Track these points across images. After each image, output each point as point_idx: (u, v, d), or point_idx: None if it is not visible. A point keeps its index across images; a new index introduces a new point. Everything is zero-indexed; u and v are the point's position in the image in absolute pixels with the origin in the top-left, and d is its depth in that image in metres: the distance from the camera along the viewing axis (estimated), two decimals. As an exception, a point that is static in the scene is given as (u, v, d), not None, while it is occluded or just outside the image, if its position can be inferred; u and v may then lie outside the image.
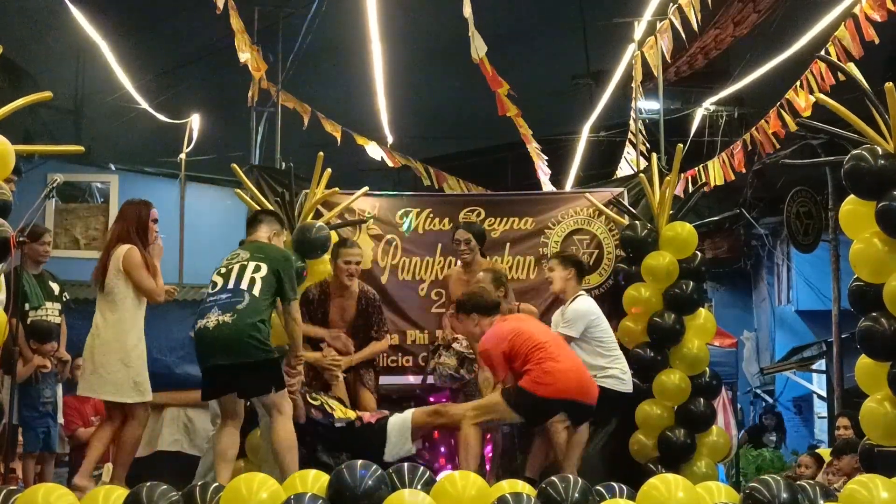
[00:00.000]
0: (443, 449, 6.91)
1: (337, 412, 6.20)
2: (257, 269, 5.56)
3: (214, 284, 5.60)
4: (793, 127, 8.75)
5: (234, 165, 7.28)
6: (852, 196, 5.49)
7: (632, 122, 10.75)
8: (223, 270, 5.61)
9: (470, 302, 6.16)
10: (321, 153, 6.98)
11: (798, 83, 8.58)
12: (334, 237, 6.92)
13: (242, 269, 5.56)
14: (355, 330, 6.79)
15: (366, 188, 7.54)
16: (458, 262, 7.20)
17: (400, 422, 6.19)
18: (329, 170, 7.02)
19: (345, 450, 6.09)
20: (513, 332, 5.95)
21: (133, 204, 6.17)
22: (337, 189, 7.19)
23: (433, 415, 6.25)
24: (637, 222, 7.33)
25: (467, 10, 7.28)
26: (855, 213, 5.50)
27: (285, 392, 5.55)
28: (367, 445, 6.05)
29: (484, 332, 6.06)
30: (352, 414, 6.29)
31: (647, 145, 9.49)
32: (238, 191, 7.24)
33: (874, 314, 5.30)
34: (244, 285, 5.49)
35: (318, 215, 7.10)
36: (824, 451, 7.73)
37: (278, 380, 5.52)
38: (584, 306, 6.65)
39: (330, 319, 6.76)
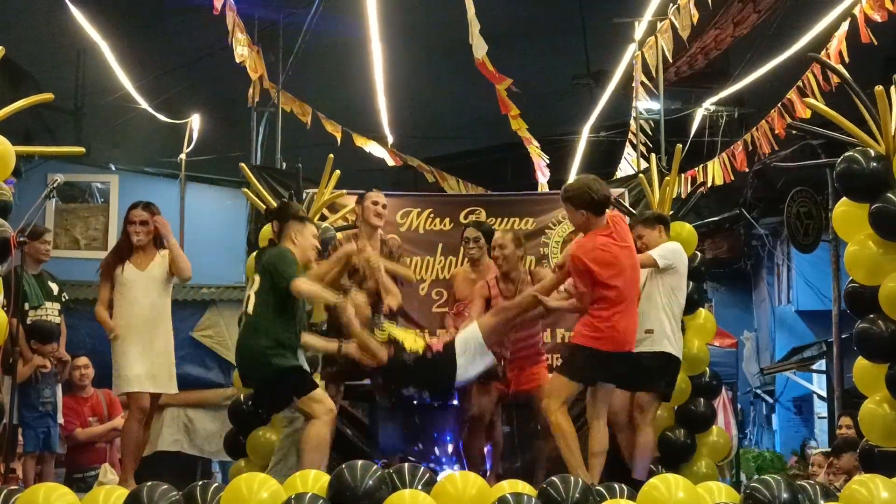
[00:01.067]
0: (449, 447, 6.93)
1: (407, 342, 6.01)
2: (252, 284, 5.64)
3: None
4: (786, 131, 8.76)
5: (243, 165, 7.29)
6: (846, 198, 5.50)
7: (632, 122, 10.75)
8: None
9: (581, 197, 5.59)
10: (331, 155, 7.00)
11: (799, 83, 8.58)
12: (339, 238, 6.93)
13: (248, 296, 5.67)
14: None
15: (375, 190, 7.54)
16: (466, 262, 7.18)
17: (465, 337, 6.07)
18: (338, 171, 7.03)
19: (419, 385, 6.07)
20: (611, 265, 5.52)
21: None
22: (344, 191, 7.21)
23: (500, 313, 6.12)
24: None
25: (471, 9, 7.27)
26: (849, 215, 5.51)
27: (314, 395, 5.48)
28: (440, 375, 6.00)
29: (590, 228, 5.63)
30: (421, 343, 6.12)
31: (649, 145, 9.48)
32: (245, 189, 7.25)
33: (871, 316, 5.31)
34: (247, 307, 5.60)
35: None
36: (816, 451, 7.74)
37: (297, 387, 5.47)
38: (679, 248, 6.39)
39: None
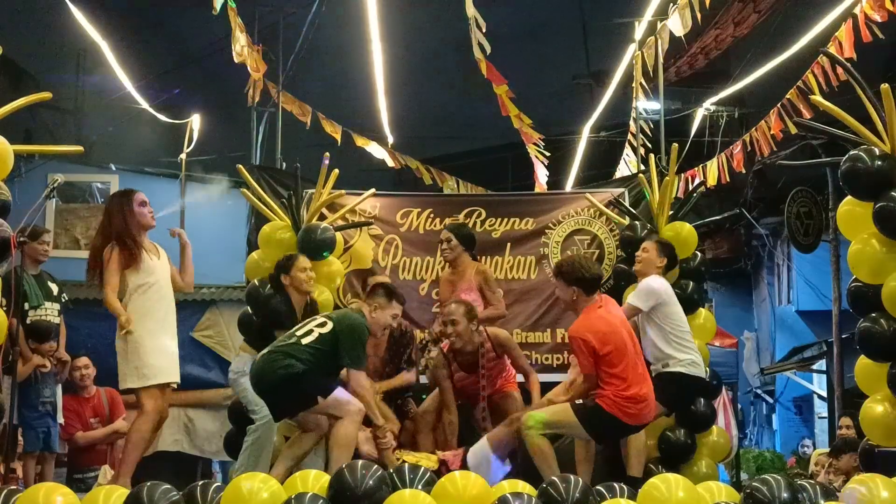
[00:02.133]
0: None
1: (422, 463, 5.97)
2: (322, 324, 5.65)
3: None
4: (793, 129, 8.75)
5: (240, 166, 7.29)
6: (850, 197, 5.49)
7: (632, 122, 10.75)
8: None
9: (573, 274, 5.72)
10: (327, 154, 7.00)
11: (800, 83, 8.57)
12: (339, 239, 6.93)
13: (308, 324, 5.70)
14: (390, 358, 6.77)
15: (373, 190, 7.56)
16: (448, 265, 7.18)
17: (476, 452, 6.09)
18: (336, 170, 7.03)
19: None
20: (611, 333, 5.65)
21: (113, 196, 6.28)
22: (343, 192, 7.21)
23: (509, 426, 6.12)
24: (637, 222, 7.33)
25: (471, 10, 7.27)
26: (853, 213, 5.50)
27: (341, 396, 5.49)
28: None
29: (580, 309, 5.75)
30: (434, 460, 6.18)
31: (648, 146, 9.48)
32: (244, 190, 7.25)
33: (873, 315, 5.31)
34: (299, 332, 5.62)
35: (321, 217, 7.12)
36: (817, 452, 7.74)
37: (319, 389, 5.49)
38: (657, 283, 6.43)
39: None
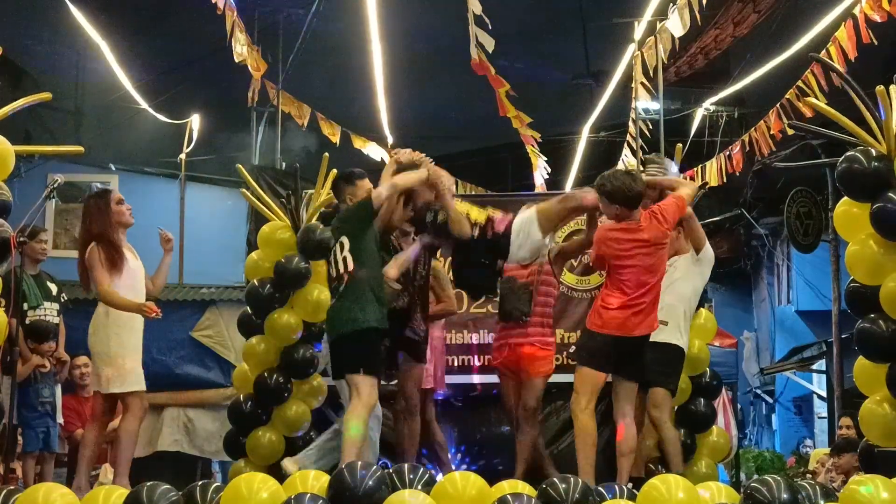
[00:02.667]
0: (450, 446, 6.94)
1: (472, 214, 6.09)
2: (342, 247, 5.60)
3: None
4: (789, 131, 8.76)
5: (240, 166, 7.28)
6: (847, 198, 5.49)
7: (631, 123, 10.76)
8: None
9: (618, 193, 5.63)
10: (326, 154, 6.99)
11: (799, 83, 8.58)
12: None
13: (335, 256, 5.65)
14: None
15: None
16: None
17: (521, 219, 6.04)
18: (335, 170, 7.02)
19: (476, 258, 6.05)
20: (621, 251, 5.62)
21: (91, 198, 6.17)
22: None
23: (563, 201, 6.14)
24: (637, 222, 7.31)
25: (477, 8, 7.25)
26: (850, 214, 5.50)
27: (367, 383, 5.40)
28: (494, 252, 6.01)
29: (621, 221, 5.69)
30: (484, 216, 6.20)
31: (645, 148, 9.49)
32: (243, 190, 7.25)
33: (871, 316, 5.31)
34: (338, 269, 5.58)
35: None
36: (819, 451, 7.74)
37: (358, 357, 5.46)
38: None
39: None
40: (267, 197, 7.23)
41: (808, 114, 8.27)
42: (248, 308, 6.99)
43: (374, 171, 12.38)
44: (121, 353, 5.84)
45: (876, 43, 7.52)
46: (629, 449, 5.73)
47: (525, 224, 6.00)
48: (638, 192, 5.68)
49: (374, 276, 5.56)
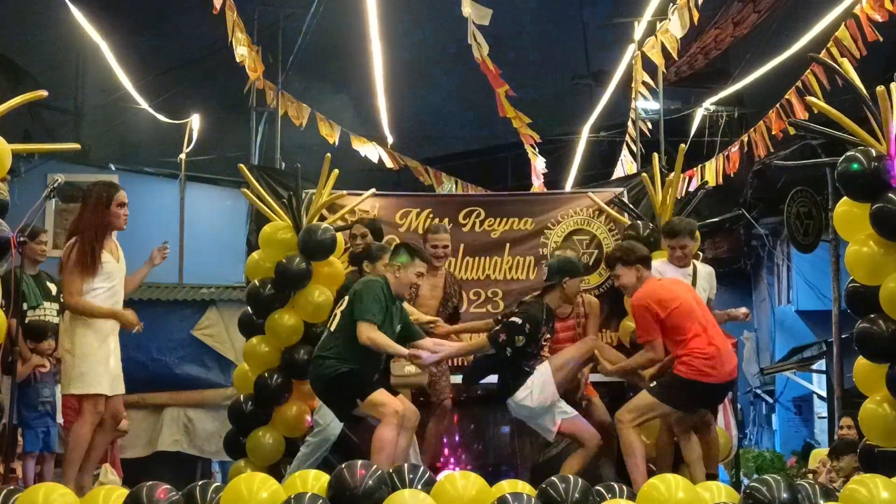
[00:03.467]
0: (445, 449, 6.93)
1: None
2: (342, 303, 5.75)
3: None
4: (791, 130, 8.76)
5: (242, 166, 7.28)
6: (846, 198, 5.49)
7: (630, 124, 10.76)
8: None
9: (633, 254, 5.91)
10: (329, 154, 6.99)
11: (799, 83, 8.58)
12: (340, 239, 6.93)
13: (335, 309, 5.85)
14: (443, 306, 6.80)
15: (373, 190, 7.54)
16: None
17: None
18: (336, 170, 7.02)
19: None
20: (672, 299, 5.69)
21: (97, 186, 5.96)
22: (344, 192, 7.20)
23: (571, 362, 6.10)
24: (639, 222, 7.33)
25: (476, 10, 7.26)
26: (849, 214, 5.50)
27: (373, 399, 5.48)
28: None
29: (642, 284, 5.85)
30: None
31: (643, 151, 9.50)
32: (244, 190, 7.24)
33: (871, 316, 5.30)
34: (330, 324, 5.77)
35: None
36: (821, 451, 7.74)
37: (354, 389, 5.55)
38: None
39: (420, 295, 6.67)
40: (268, 197, 7.23)
41: (805, 115, 8.27)
42: (249, 308, 6.99)
43: (375, 170, 12.43)
44: (82, 354, 5.62)
45: (882, 39, 7.52)
46: (697, 457, 5.89)
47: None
48: (647, 252, 6.04)
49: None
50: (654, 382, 5.76)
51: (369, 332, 5.49)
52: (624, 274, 5.90)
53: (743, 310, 6.78)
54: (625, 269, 5.88)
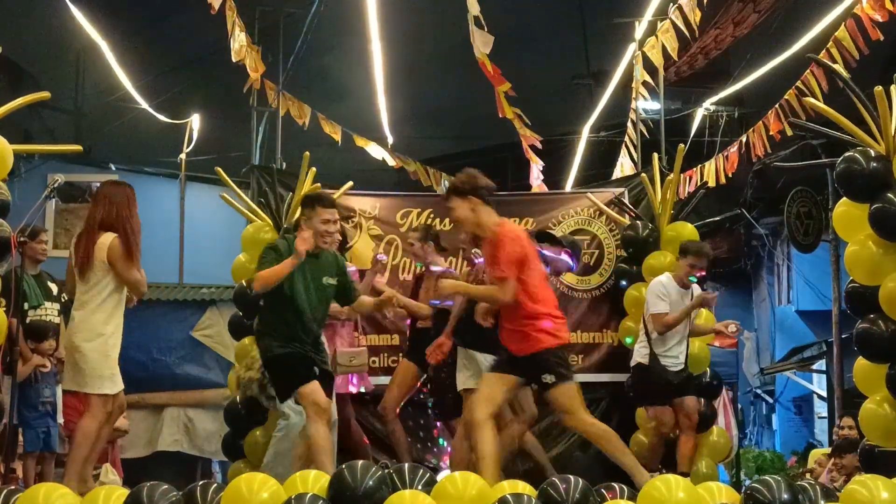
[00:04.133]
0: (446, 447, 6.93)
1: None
2: None
3: None
4: (788, 131, 8.76)
5: (218, 169, 7.28)
6: (846, 198, 5.49)
7: (630, 124, 10.76)
8: None
9: (470, 183, 5.25)
10: (307, 153, 6.99)
11: (799, 83, 8.58)
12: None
13: None
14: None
15: (350, 183, 7.48)
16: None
17: None
18: (314, 169, 7.01)
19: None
20: (531, 249, 5.23)
21: (119, 185, 5.82)
22: (319, 185, 7.16)
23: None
24: (639, 222, 7.33)
25: (476, 8, 7.25)
26: (849, 215, 5.50)
27: (303, 391, 5.36)
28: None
29: (485, 223, 5.22)
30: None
31: (639, 153, 9.50)
32: (223, 195, 7.24)
33: (871, 316, 5.31)
34: None
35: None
36: (819, 451, 7.74)
37: (287, 377, 5.46)
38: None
39: (420, 296, 6.73)
40: (267, 196, 7.22)
41: (807, 114, 8.27)
42: (238, 309, 6.98)
43: (375, 170, 12.43)
44: (103, 354, 5.55)
45: (882, 38, 7.52)
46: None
47: None
48: (491, 183, 5.46)
49: None
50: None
51: (258, 278, 5.38)
52: (458, 206, 5.24)
53: (732, 328, 6.89)
54: (459, 199, 5.23)
